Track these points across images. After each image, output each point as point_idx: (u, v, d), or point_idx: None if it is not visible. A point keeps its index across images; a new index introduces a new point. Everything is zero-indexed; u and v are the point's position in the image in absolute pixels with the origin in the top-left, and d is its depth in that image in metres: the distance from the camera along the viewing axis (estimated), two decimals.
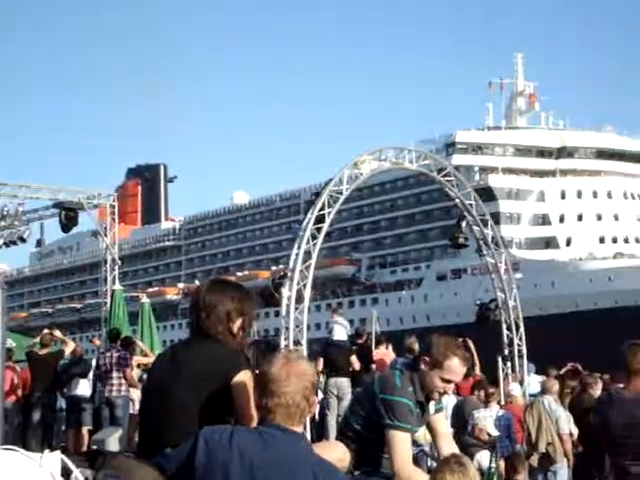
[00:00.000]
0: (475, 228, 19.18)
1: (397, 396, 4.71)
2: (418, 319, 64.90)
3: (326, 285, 76.92)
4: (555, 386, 11.86)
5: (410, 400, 4.73)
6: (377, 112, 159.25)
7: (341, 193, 16.73)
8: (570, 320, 52.91)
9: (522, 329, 18.85)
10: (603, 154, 63.69)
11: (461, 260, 63.45)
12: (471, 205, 19.03)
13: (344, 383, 14.20)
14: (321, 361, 14.41)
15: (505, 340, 18.69)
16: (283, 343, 15.64)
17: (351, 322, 61.47)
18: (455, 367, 4.78)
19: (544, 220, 62.12)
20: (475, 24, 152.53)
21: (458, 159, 63.24)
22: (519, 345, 18.67)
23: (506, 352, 18.50)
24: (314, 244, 16.28)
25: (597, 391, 11.22)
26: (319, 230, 16.38)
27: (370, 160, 18.48)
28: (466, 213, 19.16)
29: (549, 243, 60.88)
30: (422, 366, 4.81)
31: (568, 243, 60.10)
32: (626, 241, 60.07)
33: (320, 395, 14.51)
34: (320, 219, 16.57)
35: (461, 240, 19.85)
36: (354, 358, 14.57)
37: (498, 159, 63.45)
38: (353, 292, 75.17)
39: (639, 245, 59.58)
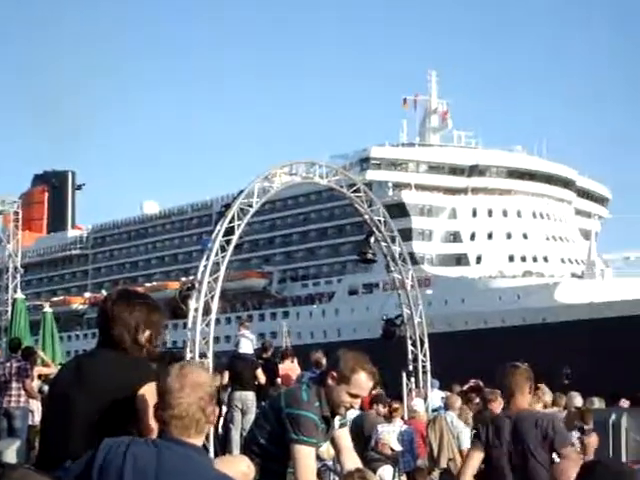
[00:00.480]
0: (383, 244, 19.34)
1: (303, 411, 4.69)
2: (329, 333, 64.82)
3: (237, 297, 76.35)
4: (457, 402, 12.02)
5: (316, 415, 4.71)
6: (293, 126, 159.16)
7: (251, 206, 16.75)
8: (478, 337, 53.47)
9: (427, 345, 18.96)
10: (514, 174, 64.65)
11: (373, 275, 63.60)
12: (380, 221, 19.18)
13: (249, 397, 14.14)
14: (226, 374, 14.33)
15: (410, 356, 18.82)
16: (189, 355, 15.38)
17: (262, 335, 61.15)
18: (362, 382, 4.79)
19: (455, 237, 62.74)
20: (391, 39, 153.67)
21: (372, 174, 63.56)
22: (423, 361, 18.83)
23: (410, 368, 18.62)
24: (223, 256, 16.12)
25: (498, 408, 10.89)
26: (228, 242, 16.21)
27: (281, 174, 18.48)
28: (375, 229, 19.28)
29: (460, 260, 61.50)
30: (329, 381, 4.79)
31: (478, 260, 60.80)
32: (535, 260, 61.05)
33: (224, 409, 14.45)
34: (230, 231, 16.43)
35: (369, 256, 19.92)
36: (260, 372, 14.52)
37: (411, 175, 63.86)
38: (264, 305, 74.76)
39: (547, 264, 60.57)
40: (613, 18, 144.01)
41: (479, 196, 63.61)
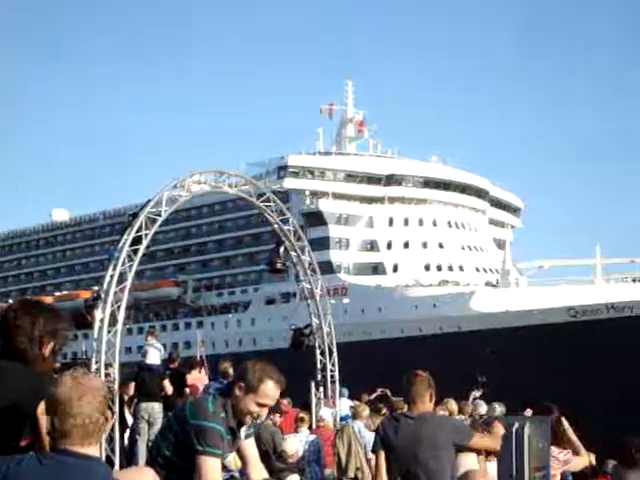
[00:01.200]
0: (293, 254, 19.17)
1: (209, 422, 4.65)
2: (245, 343, 64.18)
3: (150, 307, 75.13)
4: (365, 411, 12.28)
5: (222, 426, 4.69)
6: (209, 133, 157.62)
7: (160, 215, 16.36)
8: (395, 345, 53.47)
9: (335, 354, 18.92)
10: (429, 183, 64.95)
11: (290, 284, 63.14)
12: (290, 231, 19.01)
13: (155, 408, 14.10)
14: (132, 385, 14.35)
15: (319, 365, 18.79)
16: (94, 366, 14.87)
17: (175, 345, 60.00)
18: (270, 391, 4.81)
19: (372, 246, 62.65)
20: (309, 46, 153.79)
21: (290, 182, 63.23)
22: (332, 370, 18.81)
23: (319, 377, 18.65)
24: (130, 266, 15.72)
25: None
26: (136, 252, 15.80)
27: (190, 182, 18.04)
28: (284, 239, 19.14)
29: (377, 269, 61.41)
30: (236, 391, 4.79)
31: (395, 269, 60.82)
32: (450, 269, 61.34)
33: (130, 420, 14.50)
34: (138, 240, 16.00)
35: (279, 266, 19.66)
36: (166, 383, 14.53)
37: (329, 184, 63.62)
38: (178, 314, 73.59)
39: (463, 273, 60.90)
40: (517, 24, 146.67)
41: (395, 205, 63.69)
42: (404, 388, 6.38)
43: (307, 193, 63.55)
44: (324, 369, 18.95)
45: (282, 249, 19.26)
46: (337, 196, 63.24)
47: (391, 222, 63.11)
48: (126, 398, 14.70)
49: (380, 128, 71.94)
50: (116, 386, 13.93)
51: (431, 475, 6.00)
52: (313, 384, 17.99)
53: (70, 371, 3.42)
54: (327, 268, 61.93)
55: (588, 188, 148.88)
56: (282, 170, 63.93)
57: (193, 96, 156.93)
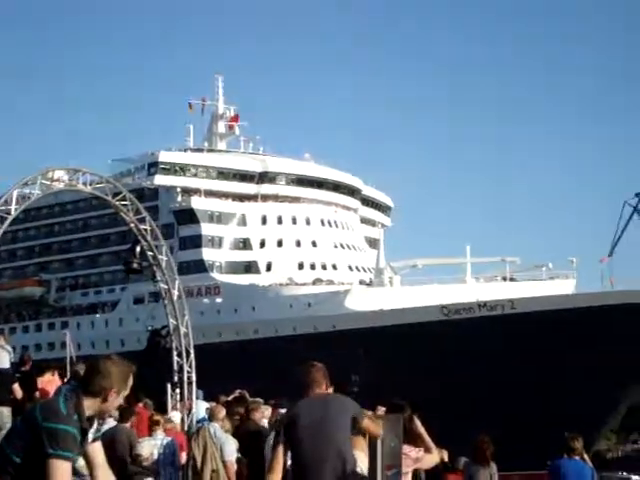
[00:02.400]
0: (149, 253, 18.96)
1: (62, 424, 4.52)
2: (112, 344, 62.22)
3: (11, 307, 72.16)
4: (221, 412, 12.04)
5: (75, 428, 4.57)
6: (74, 127, 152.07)
7: (10, 213, 16.06)
8: (269, 345, 52.96)
9: (192, 356, 18.68)
10: (302, 181, 64.58)
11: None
12: (146, 230, 18.78)
13: (4, 412, 13.68)
14: None
15: (175, 367, 18.60)
16: None
17: (38, 347, 57.73)
18: (129, 382, 4.80)
19: (245, 244, 61.80)
20: (176, 40, 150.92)
21: (160, 179, 61.76)
22: (189, 372, 18.62)
23: (175, 379, 18.49)
24: None
25: (260, 418, 12.05)
26: None
27: (42, 180, 17.63)
28: (141, 238, 18.91)
29: (250, 268, 60.63)
30: (87, 392, 4.70)
31: (268, 268, 60.17)
32: (324, 267, 61.10)
33: None
34: None
35: (135, 265, 19.52)
36: (16, 386, 14.12)
37: (201, 181, 62.39)
38: (41, 315, 70.84)
39: (336, 272, 60.74)
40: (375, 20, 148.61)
41: (269, 203, 63.05)
42: (300, 378, 6.41)
43: (178, 190, 62.17)
44: (180, 371, 18.77)
45: (138, 249, 19.04)
46: (209, 194, 62.13)
47: (264, 220, 62.44)
48: None
49: (252, 125, 71.32)
50: None
51: (340, 451, 6.05)
52: (169, 386, 17.82)
53: None
54: (199, 267, 60.99)
55: (456, 187, 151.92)
56: (152, 167, 62.35)
57: (58, 92, 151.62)
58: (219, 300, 58.93)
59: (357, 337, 49.10)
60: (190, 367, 18.83)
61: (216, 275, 60.26)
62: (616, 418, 54.02)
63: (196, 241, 61.03)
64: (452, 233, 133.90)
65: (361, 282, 57.83)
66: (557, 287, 53.54)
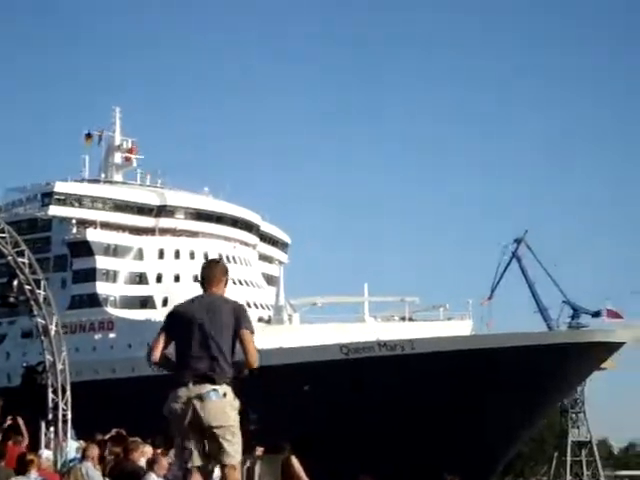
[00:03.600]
0: (27, 287, 18.93)
1: None
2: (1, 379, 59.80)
3: None
4: (95, 451, 11.95)
5: None
6: None
7: None
8: (164, 382, 51.62)
9: (69, 393, 18.59)
10: (201, 216, 63.78)
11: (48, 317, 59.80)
12: (24, 264, 18.75)
13: None
14: None
15: (50, 404, 18.52)
16: None
17: None
18: None
19: (141, 279, 60.48)
20: (73, 70, 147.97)
21: (55, 210, 60.05)
22: (64, 409, 18.52)
23: (50, 416, 18.30)
24: None
25: (139, 457, 11.97)
26: None
27: None
28: (18, 272, 18.78)
29: (146, 302, 59.28)
30: None
31: (165, 303, 58.77)
32: None
33: None
34: None
35: (11, 299, 19.32)
36: None
37: (97, 213, 60.93)
38: None
39: None
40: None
41: (166, 237, 61.92)
42: (201, 273, 6.73)
43: (73, 222, 60.50)
44: (56, 408, 18.64)
45: (16, 282, 18.94)
46: (105, 226, 60.68)
47: (162, 254, 61.28)
48: None
49: (149, 157, 70.11)
50: None
51: (210, 346, 6.27)
52: (43, 424, 17.72)
53: None
54: (93, 301, 59.36)
55: (349, 227, 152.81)
56: (47, 197, 60.66)
57: None
58: (112, 335, 57.39)
59: (255, 375, 48.36)
60: (66, 404, 18.54)
61: (110, 310, 58.73)
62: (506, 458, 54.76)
63: (90, 274, 59.43)
64: (349, 271, 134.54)
65: (260, 319, 57.09)
66: (454, 328, 54.03)
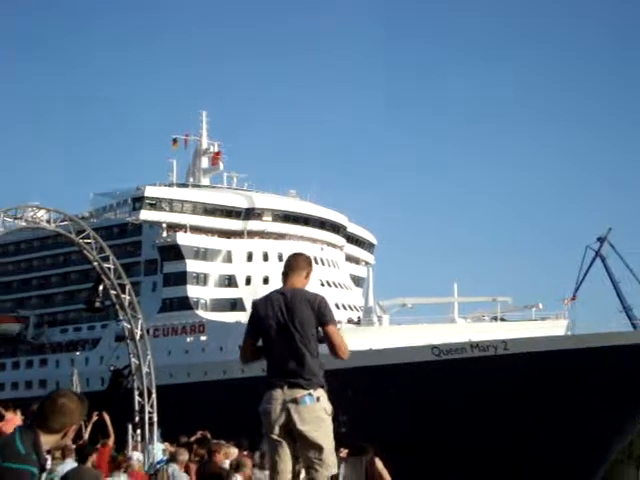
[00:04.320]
0: (112, 292, 19.41)
1: (22, 464, 4.43)
2: (92, 382, 60.82)
3: None
4: (183, 455, 12.14)
5: (34, 467, 4.49)
6: (52, 161, 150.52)
7: None
8: (255, 384, 51.78)
9: (154, 396, 18.85)
10: (289, 218, 63.89)
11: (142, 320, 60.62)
12: (109, 269, 19.04)
13: None
14: None
15: (136, 407, 18.98)
16: None
17: (15, 385, 56.62)
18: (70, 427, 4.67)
19: (230, 281, 60.87)
20: (162, 77, 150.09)
21: (146, 215, 60.79)
22: (150, 412, 18.87)
23: (137, 419, 18.78)
24: None
25: (223, 459, 12.12)
26: None
27: (5, 217, 17.86)
28: (104, 277, 19.21)
29: (235, 305, 59.63)
30: (46, 429, 4.59)
31: None
32: None
33: None
34: None
35: (97, 304, 19.97)
36: None
37: (187, 217, 61.48)
38: (20, 352, 69.27)
39: None
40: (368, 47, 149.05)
41: (255, 240, 62.19)
42: (285, 263, 6.72)
43: (164, 226, 61.19)
44: (142, 411, 19.04)
45: (101, 287, 19.40)
46: (195, 229, 61.21)
47: (250, 257, 61.56)
48: None
49: (235, 161, 70.58)
50: None
51: (298, 348, 6.27)
52: (130, 426, 18.20)
53: None
54: (184, 304, 59.94)
55: (435, 228, 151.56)
56: (137, 202, 61.38)
57: (39, 121, 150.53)
58: (204, 338, 57.87)
59: (346, 377, 48.20)
60: (152, 407, 18.77)
61: (201, 312, 59.22)
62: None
63: (181, 278, 60.04)
64: (435, 271, 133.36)
65: (349, 321, 56.91)
66: (548, 328, 52.89)
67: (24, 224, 18.51)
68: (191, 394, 53.09)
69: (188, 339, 58.03)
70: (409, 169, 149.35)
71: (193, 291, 59.91)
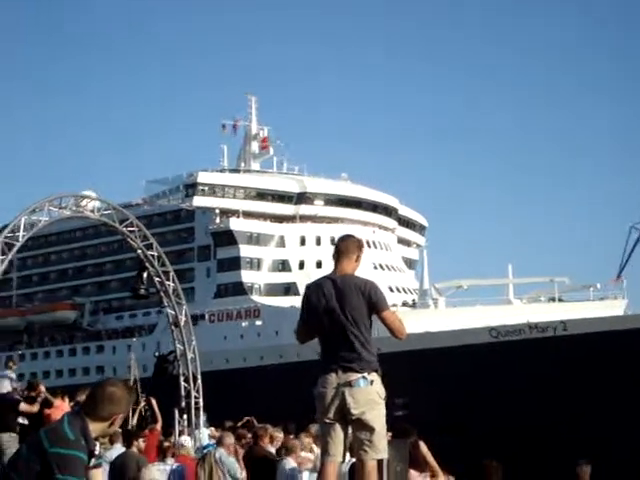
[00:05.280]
0: (156, 280, 19.17)
1: (70, 449, 4.53)
2: (149, 368, 61.35)
3: (44, 331, 71.61)
4: (229, 438, 12.30)
5: (83, 452, 4.57)
6: (103, 150, 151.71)
7: (18, 240, 16.45)
8: (311, 368, 51.93)
9: (199, 381, 18.98)
10: (341, 202, 63.90)
11: (196, 306, 60.94)
12: (154, 257, 18.91)
13: (4, 438, 13.88)
14: None
15: (182, 392, 18.97)
16: None
17: (72, 372, 57.44)
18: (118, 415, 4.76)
19: (284, 266, 61.08)
20: (208, 61, 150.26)
21: (199, 201, 61.15)
22: (196, 397, 18.96)
23: (183, 404, 18.87)
24: None
25: (270, 443, 12.29)
26: None
27: (50, 207, 17.84)
28: (148, 264, 19.00)
29: (289, 289, 59.82)
30: (87, 417, 4.69)
31: None
32: None
33: None
34: None
35: (142, 291, 19.95)
36: (25, 405, 14.39)
37: (239, 202, 61.77)
38: (76, 339, 70.18)
39: None
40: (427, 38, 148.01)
41: (307, 224, 62.30)
42: (335, 246, 6.79)
43: (217, 212, 61.50)
44: (188, 396, 19.04)
45: (145, 275, 19.25)
46: (247, 215, 61.44)
47: (303, 241, 61.69)
48: None
49: (285, 145, 70.44)
50: None
51: (351, 333, 6.34)
52: (177, 411, 18.31)
53: None
54: (238, 289, 60.28)
55: (483, 205, 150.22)
56: (190, 188, 61.76)
57: (86, 110, 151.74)
58: (259, 323, 58.15)
59: (403, 360, 48.11)
60: (197, 392, 18.95)
61: (255, 297, 59.50)
62: None
63: (235, 263, 60.37)
64: (488, 252, 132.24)
65: (404, 304, 56.78)
66: (606, 308, 52.30)
67: (68, 214, 18.47)
68: (247, 378, 53.35)
69: (243, 324, 58.36)
70: (460, 150, 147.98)
71: (247, 276, 60.21)
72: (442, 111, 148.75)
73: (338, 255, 6.71)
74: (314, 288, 6.67)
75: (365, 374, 6.41)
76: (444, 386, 47.44)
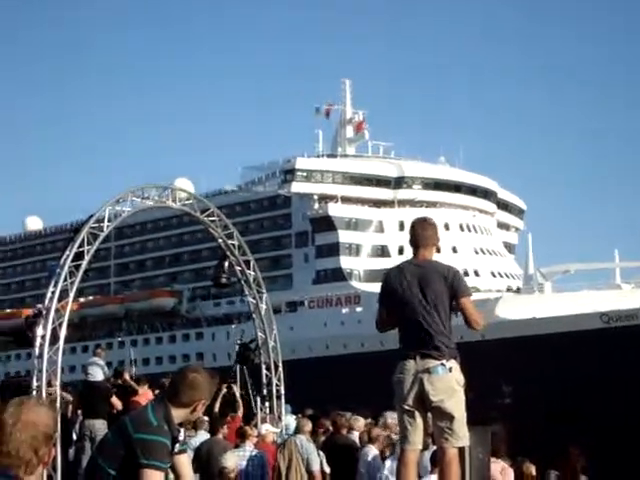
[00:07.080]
0: (237, 268, 19.23)
1: (154, 435, 4.58)
2: None
3: (142, 318, 72.20)
4: (307, 425, 12.24)
5: (166, 438, 4.62)
6: (195, 138, 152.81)
7: (102, 230, 16.70)
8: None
9: (281, 369, 19.04)
10: (440, 186, 62.73)
11: (295, 292, 60.66)
12: (234, 245, 19.07)
13: (97, 425, 14.14)
14: (75, 403, 14.99)
15: (264, 380, 18.95)
16: (35, 384, 15.23)
17: (172, 358, 57.44)
18: (200, 402, 4.82)
19: (383, 251, 60.24)
20: (302, 45, 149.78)
21: (298, 187, 60.65)
22: (277, 385, 18.98)
23: (265, 392, 18.83)
24: (72, 282, 16.06)
25: (349, 431, 12.43)
26: (78, 267, 16.10)
27: (133, 197, 18.28)
28: (229, 253, 19.21)
29: None
30: (170, 403, 4.74)
31: None
32: (466, 274, 58.62)
33: (74, 437, 15.01)
34: (80, 255, 16.29)
35: (223, 280, 19.97)
36: (115, 399, 14.69)
37: (337, 187, 61.08)
38: (175, 326, 70.62)
39: (479, 278, 58.35)
40: (517, 19, 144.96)
41: (406, 209, 61.10)
42: (413, 233, 6.75)
43: (315, 197, 60.94)
44: (269, 384, 19.03)
45: (227, 264, 19.32)
46: (346, 200, 60.73)
47: (402, 226, 60.53)
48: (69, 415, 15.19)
49: (379, 129, 69.48)
50: (58, 404, 14.37)
51: (431, 319, 6.34)
52: (259, 399, 18.15)
53: (24, 397, 3.46)
54: (337, 275, 59.67)
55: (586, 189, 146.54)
56: (288, 174, 61.27)
57: (184, 99, 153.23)
58: (359, 309, 57.45)
59: (509, 347, 46.94)
60: (279, 380, 19.08)
61: (355, 284, 58.82)
62: None
63: (333, 249, 59.74)
64: (592, 235, 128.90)
65: (508, 289, 55.47)
66: None
67: (151, 204, 18.71)
68: (346, 365, 52.56)
69: (343, 310, 57.73)
70: (557, 130, 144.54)
71: (346, 262, 59.52)
72: (540, 88, 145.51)
73: (417, 241, 6.66)
74: (395, 272, 6.65)
75: (444, 361, 6.37)
76: (553, 374, 46.12)
